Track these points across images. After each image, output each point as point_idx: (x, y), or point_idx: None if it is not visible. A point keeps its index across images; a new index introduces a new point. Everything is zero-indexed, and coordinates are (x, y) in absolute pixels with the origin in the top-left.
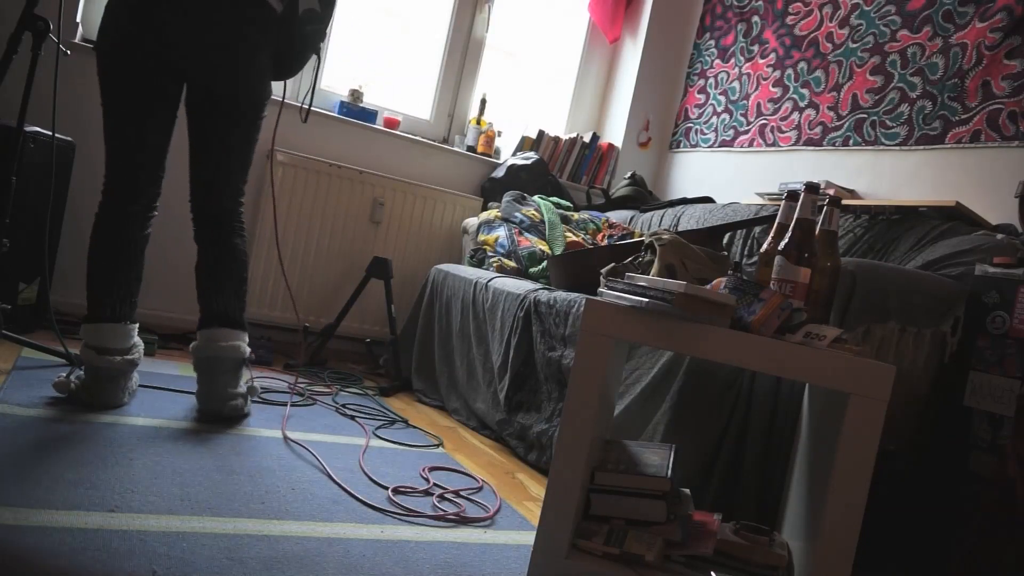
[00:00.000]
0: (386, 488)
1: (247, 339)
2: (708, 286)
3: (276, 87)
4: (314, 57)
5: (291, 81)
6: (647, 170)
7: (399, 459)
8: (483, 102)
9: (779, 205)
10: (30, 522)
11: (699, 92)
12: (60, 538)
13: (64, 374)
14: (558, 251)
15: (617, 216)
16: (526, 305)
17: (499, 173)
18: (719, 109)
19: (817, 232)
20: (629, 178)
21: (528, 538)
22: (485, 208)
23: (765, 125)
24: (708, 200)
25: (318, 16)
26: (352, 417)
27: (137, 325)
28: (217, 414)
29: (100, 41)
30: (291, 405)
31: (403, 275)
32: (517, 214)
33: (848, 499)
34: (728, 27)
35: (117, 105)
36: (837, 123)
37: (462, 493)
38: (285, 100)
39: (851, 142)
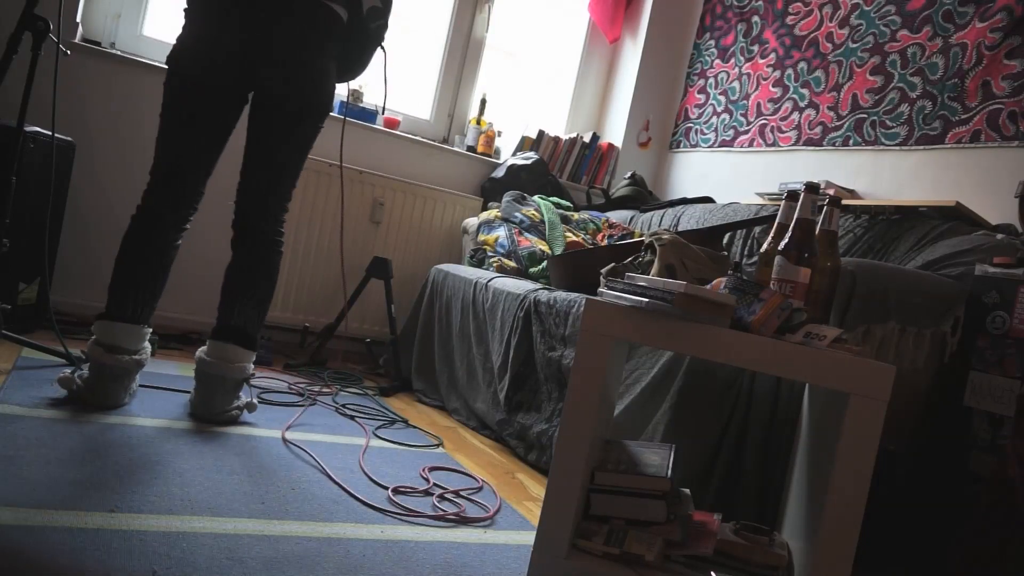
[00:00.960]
0: (386, 488)
1: (254, 358)
2: (708, 286)
3: None
4: (381, 51)
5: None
6: (647, 170)
7: (399, 459)
8: (483, 102)
9: (779, 205)
10: (30, 522)
11: (699, 92)
12: (60, 538)
13: (68, 371)
14: (558, 251)
15: (617, 216)
16: (526, 305)
17: (499, 173)
18: (719, 109)
19: (817, 232)
20: (629, 178)
21: (528, 538)
22: (485, 208)
23: (765, 125)
24: (708, 200)
25: (380, 11)
26: (352, 417)
27: (150, 331)
28: (210, 422)
29: (178, 51)
30: (289, 405)
31: (403, 275)
32: (517, 214)
33: (848, 499)
34: (728, 27)
35: (180, 112)
36: (837, 123)
37: (462, 493)
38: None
39: (851, 142)
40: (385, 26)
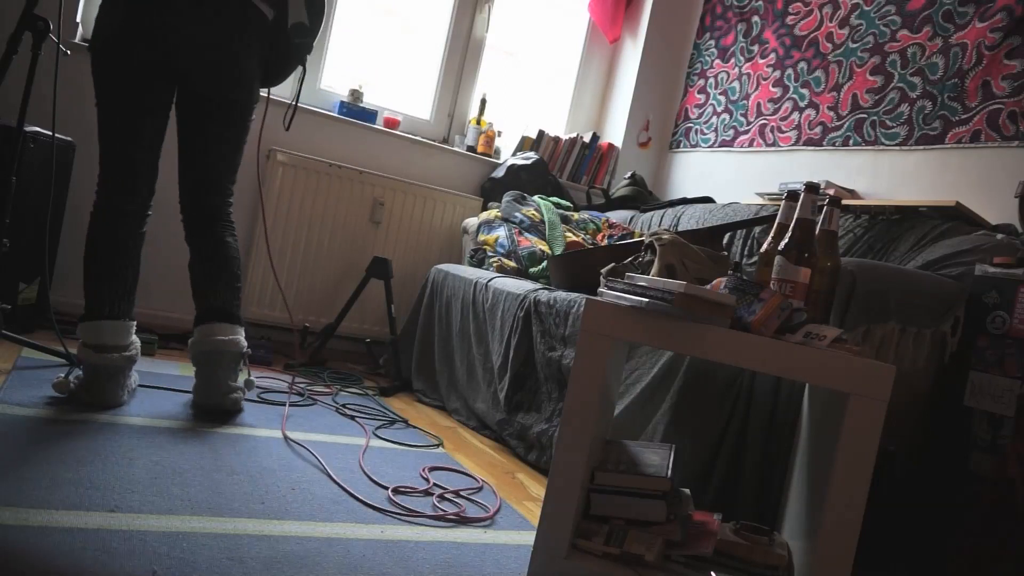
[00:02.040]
0: (386, 488)
1: (244, 333)
2: (708, 286)
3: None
4: (300, 68)
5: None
6: (647, 170)
7: (399, 459)
8: (483, 102)
9: (779, 205)
10: (30, 522)
11: (699, 92)
12: (60, 538)
13: (63, 375)
14: (558, 251)
15: (617, 216)
16: (526, 305)
17: (499, 173)
18: (719, 109)
19: (817, 232)
20: (629, 178)
21: (528, 538)
22: (485, 208)
23: (765, 125)
24: (708, 200)
25: (307, 30)
26: (352, 417)
27: (135, 323)
28: (216, 407)
29: (94, 41)
30: (291, 405)
31: (403, 275)
32: (517, 214)
33: (848, 499)
34: (728, 27)
35: (112, 104)
36: (837, 123)
37: (462, 493)
38: (271, 97)
39: (851, 142)
40: (308, 47)
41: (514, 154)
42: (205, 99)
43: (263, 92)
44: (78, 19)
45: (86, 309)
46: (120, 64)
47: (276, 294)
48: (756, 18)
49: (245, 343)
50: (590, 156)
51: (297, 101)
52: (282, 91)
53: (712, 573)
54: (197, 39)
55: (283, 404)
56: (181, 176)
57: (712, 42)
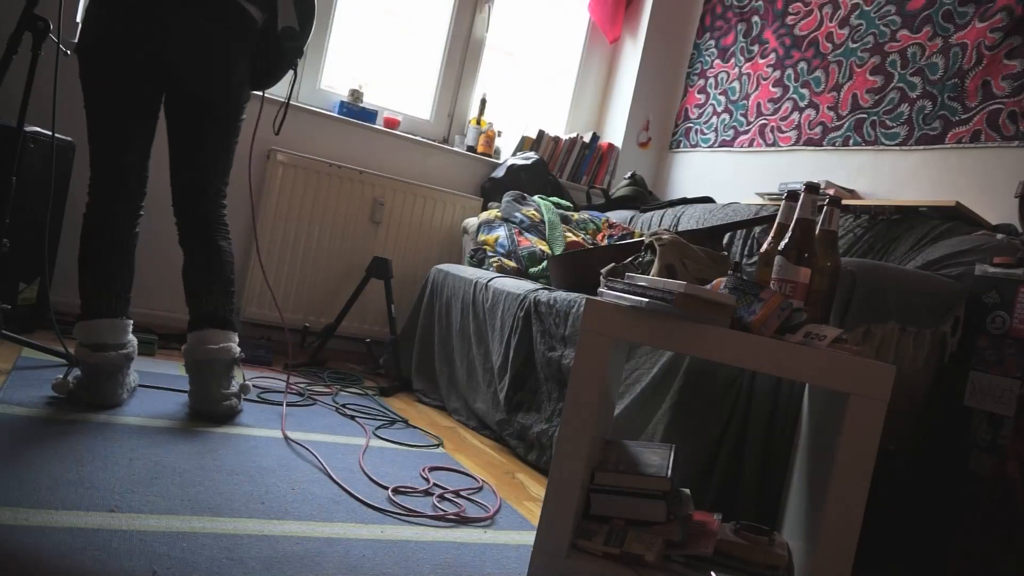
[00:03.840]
0: (386, 488)
1: (237, 339)
2: (708, 286)
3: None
4: (291, 72)
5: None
6: (647, 170)
7: (399, 459)
8: (483, 102)
9: (779, 205)
10: (30, 522)
11: (699, 92)
12: (60, 538)
13: (62, 375)
14: (558, 251)
15: (617, 216)
16: (526, 305)
17: (499, 173)
18: (719, 109)
19: (817, 232)
20: (629, 178)
21: (528, 538)
22: (485, 208)
23: (765, 125)
24: (708, 200)
25: (296, 34)
26: (352, 417)
27: (131, 322)
28: (211, 415)
29: (81, 42)
30: (289, 404)
31: (403, 275)
32: (517, 214)
33: (848, 499)
34: (728, 27)
35: (100, 106)
36: (837, 123)
37: (462, 493)
38: (269, 97)
39: (851, 142)
40: (299, 51)
41: (514, 154)
42: (195, 100)
43: (257, 93)
44: (78, 19)
45: (82, 309)
46: (108, 66)
47: (277, 294)
48: (756, 18)
49: (238, 349)
50: (590, 156)
51: (288, 105)
52: (279, 91)
53: (712, 573)
54: (186, 40)
55: (282, 404)
56: (173, 178)
57: (712, 42)
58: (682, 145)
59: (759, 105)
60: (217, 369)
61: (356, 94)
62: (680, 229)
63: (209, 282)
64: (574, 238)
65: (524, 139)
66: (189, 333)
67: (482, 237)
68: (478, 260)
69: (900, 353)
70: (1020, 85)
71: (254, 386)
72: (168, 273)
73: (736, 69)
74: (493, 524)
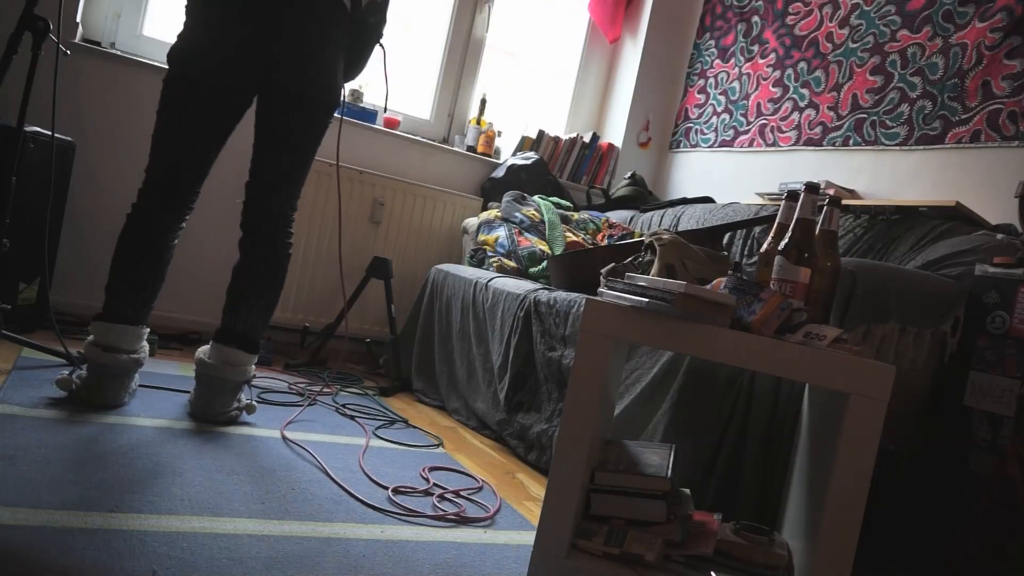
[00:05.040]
0: (386, 488)
1: (255, 360)
2: (708, 286)
3: None
4: (380, 49)
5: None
6: (647, 170)
7: (399, 459)
8: (483, 102)
9: (779, 205)
10: (30, 522)
11: (699, 92)
12: (60, 538)
13: (66, 372)
14: (558, 251)
15: (617, 216)
16: (526, 305)
17: (499, 173)
18: (719, 109)
19: (817, 232)
20: (629, 178)
21: (528, 538)
22: (485, 208)
23: (765, 125)
24: (708, 200)
25: (380, 5)
26: (352, 417)
27: (148, 329)
28: (210, 423)
29: (181, 46)
30: (290, 405)
31: (403, 275)
32: (517, 214)
33: (848, 499)
34: (728, 27)
35: (181, 115)
36: (837, 123)
37: (462, 493)
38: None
39: (851, 142)
40: (384, 20)
41: (514, 154)
42: (293, 98)
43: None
44: (78, 19)
45: (104, 308)
46: (204, 72)
47: None
48: (756, 18)
49: (253, 371)
50: (590, 156)
51: (387, 81)
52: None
53: (712, 573)
54: (281, 38)
55: (284, 405)
56: (252, 177)
57: (712, 42)
58: (682, 145)
59: (759, 105)
60: (227, 388)
61: (356, 94)
62: (680, 229)
63: (260, 291)
64: (574, 238)
65: (524, 139)
66: (214, 342)
67: (482, 237)
68: (478, 260)
69: (900, 353)
70: (1020, 85)
71: (254, 386)
72: (170, 273)
73: (736, 69)
74: (493, 524)
